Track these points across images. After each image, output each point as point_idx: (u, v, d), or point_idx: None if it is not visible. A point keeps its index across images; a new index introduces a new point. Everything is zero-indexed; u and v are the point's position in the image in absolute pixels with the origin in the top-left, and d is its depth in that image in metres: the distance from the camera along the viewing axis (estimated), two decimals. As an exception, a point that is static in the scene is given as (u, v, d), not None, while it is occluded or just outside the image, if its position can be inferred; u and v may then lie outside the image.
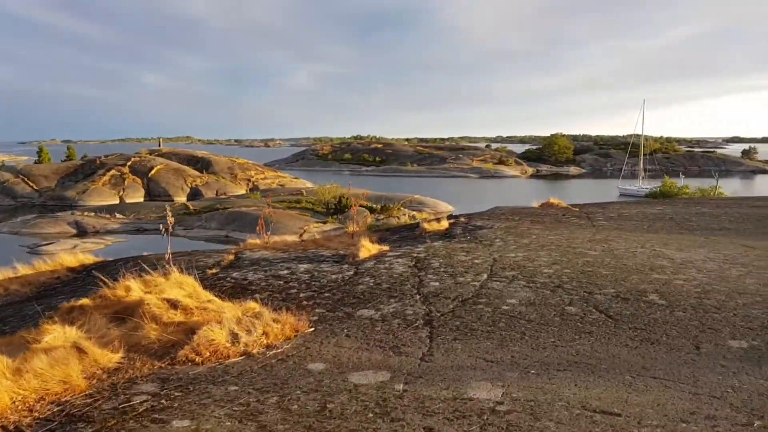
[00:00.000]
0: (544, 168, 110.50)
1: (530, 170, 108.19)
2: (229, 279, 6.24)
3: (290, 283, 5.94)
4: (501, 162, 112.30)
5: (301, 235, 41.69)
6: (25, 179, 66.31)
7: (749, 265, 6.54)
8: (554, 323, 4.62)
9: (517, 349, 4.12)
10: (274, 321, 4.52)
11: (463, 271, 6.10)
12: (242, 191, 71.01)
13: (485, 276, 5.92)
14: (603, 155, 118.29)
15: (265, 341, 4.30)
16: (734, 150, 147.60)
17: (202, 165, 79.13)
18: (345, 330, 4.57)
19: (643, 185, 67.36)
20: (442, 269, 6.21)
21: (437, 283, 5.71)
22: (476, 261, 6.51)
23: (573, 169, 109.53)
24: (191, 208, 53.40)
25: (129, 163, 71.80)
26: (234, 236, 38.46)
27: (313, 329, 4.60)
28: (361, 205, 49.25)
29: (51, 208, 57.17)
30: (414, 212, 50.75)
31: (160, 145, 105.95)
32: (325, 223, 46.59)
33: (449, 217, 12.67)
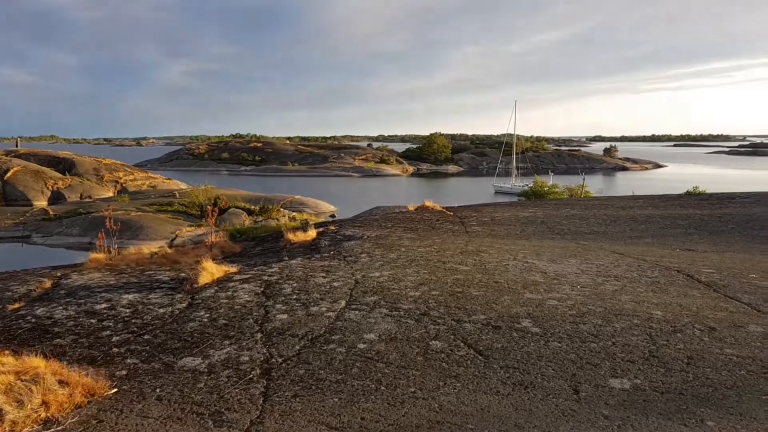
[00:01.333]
0: (425, 167, 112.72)
1: (411, 169, 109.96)
2: (30, 317, 5.04)
3: (105, 322, 4.84)
4: (382, 161, 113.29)
5: (172, 240, 39.32)
6: None
7: (622, 277, 6.21)
8: (417, 365, 3.91)
9: (369, 407, 3.35)
10: (60, 383, 3.48)
11: (318, 298, 5.28)
12: (110, 194, 66.45)
13: (343, 303, 5.13)
14: (479, 154, 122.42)
15: (43, 415, 3.26)
16: (597, 148, 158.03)
17: (65, 166, 73.36)
18: (158, 389, 3.60)
19: (516, 183, 70.08)
20: (295, 296, 5.35)
21: (285, 316, 4.85)
22: (336, 284, 5.71)
23: (452, 168, 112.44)
24: (51, 212, 49.09)
25: (-20, 165, 65.09)
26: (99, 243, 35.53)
27: (115, 390, 3.60)
28: (238, 207, 47.42)
29: None
30: (295, 213, 49.49)
31: (17, 146, 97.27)
32: (198, 226, 44.25)
33: (318, 225, 11.85)
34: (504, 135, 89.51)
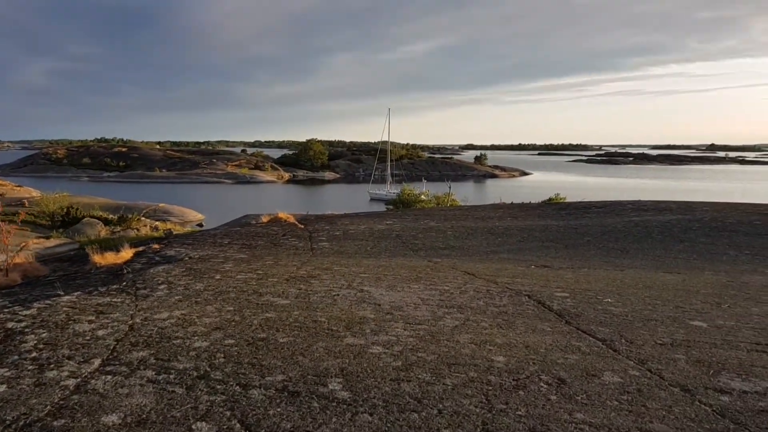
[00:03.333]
0: (301, 173, 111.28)
1: (287, 175, 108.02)
2: None
3: None
4: (257, 167, 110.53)
5: (15, 255, 35.32)
6: None
7: (466, 308, 5.30)
8: (159, 469, 2.68)
9: None
10: None
11: (65, 356, 3.89)
12: (-55, 202, 59.12)
13: (97, 363, 3.79)
14: (355, 161, 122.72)
15: None
16: (468, 156, 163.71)
17: None
18: None
19: (391, 190, 70.31)
20: (35, 353, 3.93)
21: (4, 387, 3.44)
22: (101, 332, 4.34)
23: (328, 174, 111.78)
24: None
25: None
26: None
27: None
28: (93, 216, 43.62)
29: None
30: (158, 222, 46.36)
31: None
32: (48, 238, 40.03)
33: (141, 243, 10.27)
34: (380, 142, 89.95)
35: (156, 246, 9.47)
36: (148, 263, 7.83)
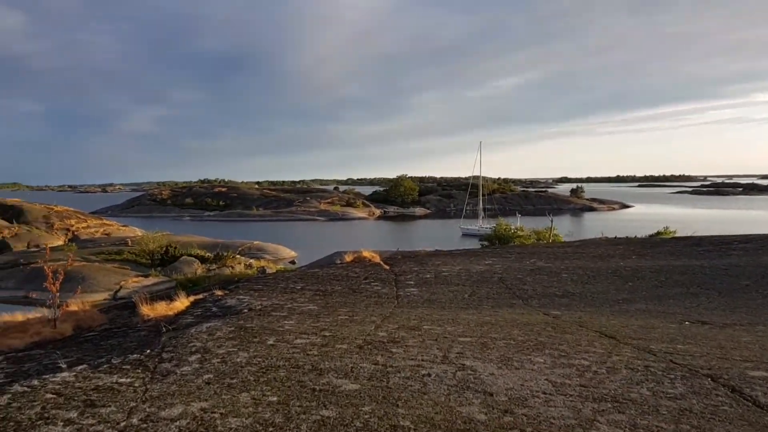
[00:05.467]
0: (392, 209, 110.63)
1: (378, 212, 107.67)
2: None
3: None
4: (349, 204, 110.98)
5: (116, 292, 35.79)
6: None
7: (625, 400, 3.48)
8: None
9: None
10: None
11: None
12: (59, 242, 62.44)
13: None
14: (446, 196, 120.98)
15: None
16: (563, 189, 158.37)
17: (12, 214, 69.23)
18: None
19: (483, 225, 67.91)
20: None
21: None
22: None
23: (419, 210, 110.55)
24: (-13, 264, 45.09)
25: None
26: (36, 297, 31.91)
27: None
28: (191, 255, 44.11)
29: None
30: (252, 260, 46.42)
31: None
32: (146, 276, 40.66)
33: (197, 291, 9.00)
34: (471, 177, 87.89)
35: (219, 293, 8.16)
36: (201, 316, 6.47)
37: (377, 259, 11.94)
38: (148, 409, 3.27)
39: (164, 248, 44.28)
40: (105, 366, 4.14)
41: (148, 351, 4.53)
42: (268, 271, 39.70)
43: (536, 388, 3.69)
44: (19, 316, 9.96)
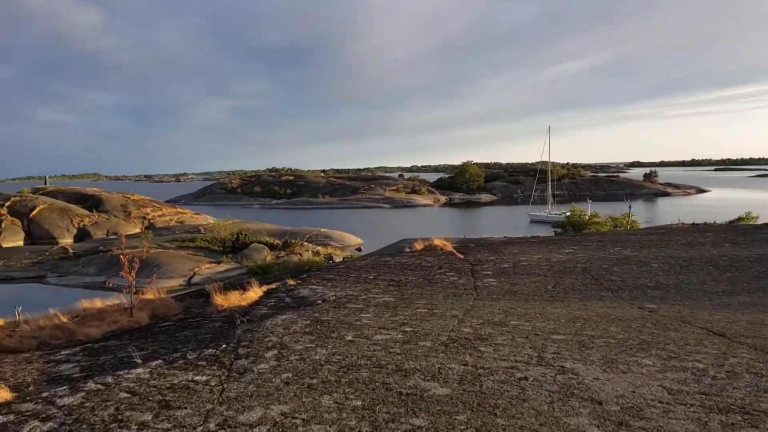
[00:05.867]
0: (457, 196, 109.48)
1: (443, 199, 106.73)
2: None
3: None
4: (414, 191, 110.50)
5: (190, 279, 36.74)
6: None
7: (756, 412, 3.02)
8: None
9: None
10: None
11: None
12: (136, 230, 64.78)
13: None
14: (513, 182, 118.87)
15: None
16: (636, 174, 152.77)
17: (92, 203, 72.23)
18: None
19: (552, 211, 66.28)
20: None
21: None
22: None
23: (485, 197, 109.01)
24: (70, 251, 47.18)
25: (7, 204, 63.94)
26: (115, 281, 33.15)
27: None
28: (260, 242, 44.84)
29: None
30: (319, 247, 46.83)
31: (45, 183, 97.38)
32: (219, 263, 41.59)
33: (269, 280, 8.85)
34: (538, 162, 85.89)
35: (292, 282, 7.99)
36: (275, 307, 6.29)
37: (449, 247, 11.57)
38: (225, 413, 3.04)
39: (235, 235, 45.19)
40: (180, 362, 3.97)
41: (224, 346, 4.34)
42: (335, 258, 39.92)
43: (650, 396, 3.27)
44: (98, 302, 10.12)
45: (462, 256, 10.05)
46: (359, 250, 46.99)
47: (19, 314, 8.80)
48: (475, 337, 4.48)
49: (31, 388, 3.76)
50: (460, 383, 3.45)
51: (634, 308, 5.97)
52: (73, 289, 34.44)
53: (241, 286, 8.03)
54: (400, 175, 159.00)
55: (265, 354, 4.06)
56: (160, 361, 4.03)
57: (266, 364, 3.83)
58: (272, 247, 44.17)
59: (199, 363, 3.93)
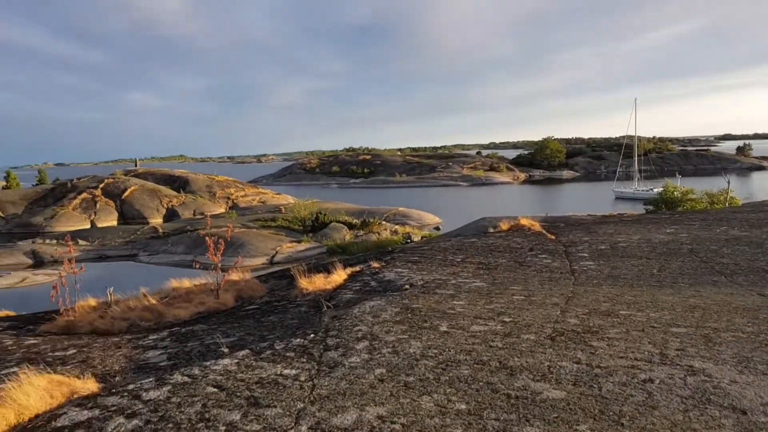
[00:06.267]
0: (537, 173, 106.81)
1: (522, 176, 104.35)
2: None
3: None
4: (492, 168, 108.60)
5: (272, 257, 37.54)
6: (-10, 206, 61.79)
7: None
8: None
9: None
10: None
11: None
12: (221, 210, 66.92)
13: None
14: (596, 157, 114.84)
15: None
16: (728, 147, 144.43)
17: (180, 184, 75.10)
18: None
19: (639, 187, 63.55)
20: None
21: None
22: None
23: (566, 173, 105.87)
24: (160, 231, 49.23)
25: (101, 185, 67.41)
26: (201, 261, 34.37)
27: None
28: (339, 221, 45.24)
29: (18, 236, 52.54)
30: (397, 226, 46.80)
31: (136, 165, 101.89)
32: (299, 242, 42.30)
33: (352, 262, 8.61)
34: (623, 136, 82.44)
35: (376, 265, 7.74)
36: (361, 291, 6.05)
37: (537, 227, 11.03)
38: (317, 414, 2.79)
39: (314, 215, 45.77)
40: (268, 352, 3.77)
41: (312, 335, 4.11)
42: (413, 237, 39.73)
43: (807, 408, 2.78)
44: (186, 282, 10.26)
45: (553, 237, 9.53)
46: (437, 229, 46.61)
47: (110, 294, 9.00)
48: (584, 330, 4.07)
49: (117, 378, 3.66)
50: (576, 385, 3.06)
51: (754, 295, 5.36)
52: (162, 267, 35.92)
53: (324, 268, 7.86)
54: (478, 153, 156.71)
55: (356, 346, 3.80)
56: (247, 351, 3.85)
57: (357, 357, 3.57)
58: (351, 226, 44.48)
59: (287, 354, 3.72)
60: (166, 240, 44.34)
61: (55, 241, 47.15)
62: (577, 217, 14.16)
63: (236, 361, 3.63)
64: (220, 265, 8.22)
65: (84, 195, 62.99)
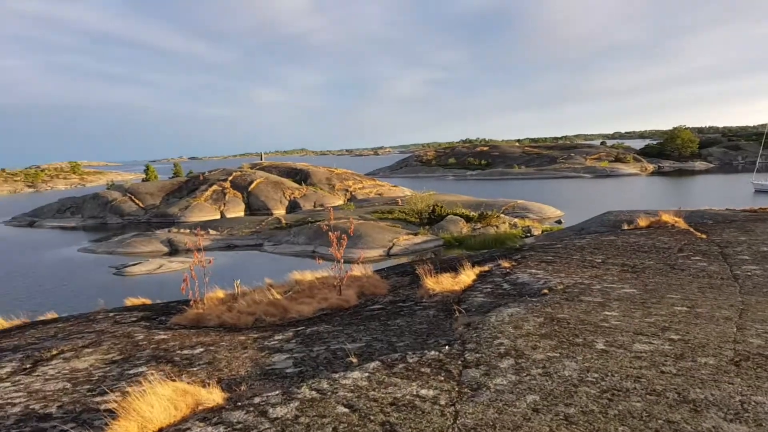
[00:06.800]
0: (667, 164, 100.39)
1: (651, 167, 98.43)
2: None
3: None
4: (618, 159, 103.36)
5: (389, 249, 37.74)
6: (132, 197, 66.94)
7: None
8: None
9: None
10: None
11: None
12: (340, 202, 68.60)
13: None
14: (733, 147, 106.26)
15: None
16: None
17: (301, 177, 77.73)
18: None
19: (782, 180, 58.11)
20: None
21: None
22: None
23: (699, 164, 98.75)
24: (283, 222, 51.07)
25: (230, 178, 71.32)
26: (321, 252, 35.22)
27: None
28: (455, 214, 44.73)
29: (156, 225, 56.61)
30: (516, 219, 45.57)
31: (261, 159, 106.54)
32: (416, 234, 42.27)
33: (480, 260, 8.09)
34: (764, 125, 75.71)
35: (506, 264, 7.22)
36: (493, 295, 5.58)
37: (682, 223, 10.02)
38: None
39: (431, 207, 45.48)
40: (400, 366, 3.41)
41: (447, 348, 3.71)
42: (534, 231, 38.40)
43: None
44: (308, 274, 10.24)
45: (704, 236, 8.55)
46: (559, 222, 44.91)
47: (237, 286, 9.10)
48: (774, 354, 3.38)
49: (243, 387, 3.44)
50: (784, 432, 2.46)
51: None
52: (285, 257, 37.10)
53: (449, 265, 7.46)
54: (602, 143, 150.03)
55: (499, 364, 3.35)
56: (377, 362, 3.51)
57: (503, 379, 3.13)
58: (468, 219, 43.77)
59: (422, 370, 3.34)
60: (289, 231, 45.79)
61: (188, 231, 50.11)
62: (723, 212, 12.85)
63: (367, 374, 3.31)
64: (342, 261, 8.05)
65: (215, 187, 66.75)
